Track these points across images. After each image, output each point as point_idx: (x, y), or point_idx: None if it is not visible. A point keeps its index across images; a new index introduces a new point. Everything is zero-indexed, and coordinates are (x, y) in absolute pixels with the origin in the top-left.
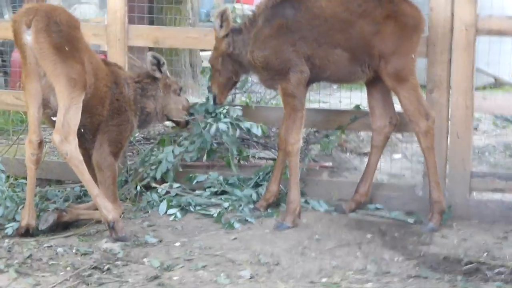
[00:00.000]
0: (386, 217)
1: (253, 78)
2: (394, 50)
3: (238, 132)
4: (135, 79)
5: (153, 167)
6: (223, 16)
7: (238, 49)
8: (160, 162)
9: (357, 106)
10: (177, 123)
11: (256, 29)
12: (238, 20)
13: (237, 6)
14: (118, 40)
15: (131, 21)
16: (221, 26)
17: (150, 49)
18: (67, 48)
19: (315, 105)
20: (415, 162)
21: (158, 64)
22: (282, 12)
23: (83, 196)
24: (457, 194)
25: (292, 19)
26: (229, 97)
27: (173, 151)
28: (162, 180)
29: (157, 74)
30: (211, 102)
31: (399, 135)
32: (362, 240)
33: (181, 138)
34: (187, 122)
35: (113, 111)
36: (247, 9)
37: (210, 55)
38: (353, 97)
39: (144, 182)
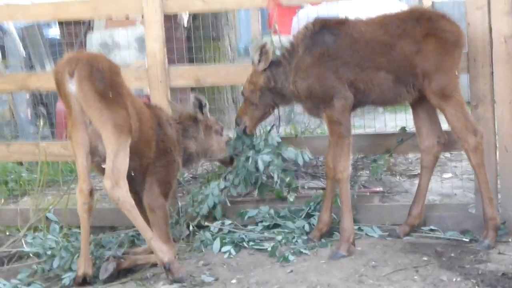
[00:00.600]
0: (441, 237)
1: (297, 109)
2: (437, 68)
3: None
4: (176, 120)
5: (201, 205)
6: (262, 50)
7: (280, 82)
8: (206, 198)
9: (403, 128)
10: (223, 162)
11: (296, 59)
12: (278, 52)
13: (275, 38)
14: (159, 82)
15: (171, 62)
16: (259, 61)
17: (192, 89)
18: (110, 95)
19: (361, 130)
20: (466, 180)
21: (200, 106)
22: (322, 40)
23: (136, 240)
24: (510, 209)
25: (333, 46)
26: (273, 129)
27: (218, 185)
28: (213, 218)
29: (199, 116)
30: (241, 133)
31: (447, 154)
32: (419, 263)
33: (227, 172)
34: (231, 159)
35: (160, 153)
36: (285, 39)
37: (244, 87)
38: (398, 119)
39: (195, 222)
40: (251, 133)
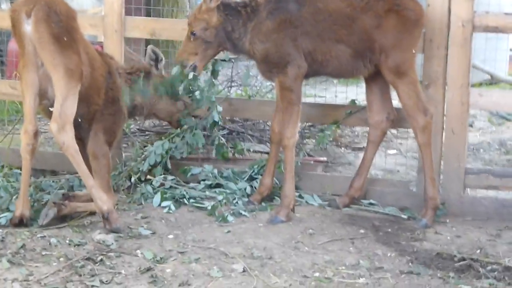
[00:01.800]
0: (380, 212)
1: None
2: (395, 44)
3: None
4: (127, 71)
5: (143, 162)
6: None
7: (238, 33)
8: (149, 155)
9: (353, 101)
10: (169, 123)
11: (257, 19)
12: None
13: None
14: (115, 31)
15: (127, 12)
16: None
17: (147, 41)
18: (65, 39)
19: (311, 100)
20: (410, 158)
21: (156, 60)
22: (285, 7)
23: (76, 187)
24: (451, 191)
25: (296, 14)
26: (225, 90)
27: (162, 145)
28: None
29: (153, 70)
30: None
31: (394, 131)
32: (356, 235)
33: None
34: (178, 123)
35: (108, 101)
36: None
37: (192, 25)
38: (349, 92)
39: (137, 175)
40: (199, 74)
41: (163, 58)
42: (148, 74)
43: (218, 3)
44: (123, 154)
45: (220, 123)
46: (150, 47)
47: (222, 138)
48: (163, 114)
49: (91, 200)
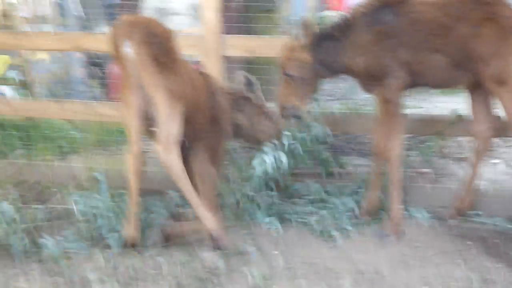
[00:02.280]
0: (488, 223)
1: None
2: (494, 52)
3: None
4: (228, 91)
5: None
6: (304, 25)
7: (334, 55)
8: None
9: (455, 111)
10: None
11: (354, 34)
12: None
13: (329, 13)
14: (213, 50)
15: (225, 31)
16: (303, 36)
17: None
18: (165, 60)
19: (412, 111)
20: None
21: (249, 85)
22: (382, 18)
23: (183, 206)
24: None
25: (393, 24)
26: (326, 105)
27: (266, 161)
28: (260, 190)
29: (251, 96)
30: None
31: (498, 140)
32: (463, 247)
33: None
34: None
35: (211, 120)
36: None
37: (285, 66)
38: (449, 102)
39: (240, 194)
40: (302, 113)
41: (256, 83)
42: (248, 99)
43: (312, 40)
44: (226, 172)
45: (325, 139)
46: (240, 72)
47: (327, 153)
48: (263, 137)
49: (197, 218)
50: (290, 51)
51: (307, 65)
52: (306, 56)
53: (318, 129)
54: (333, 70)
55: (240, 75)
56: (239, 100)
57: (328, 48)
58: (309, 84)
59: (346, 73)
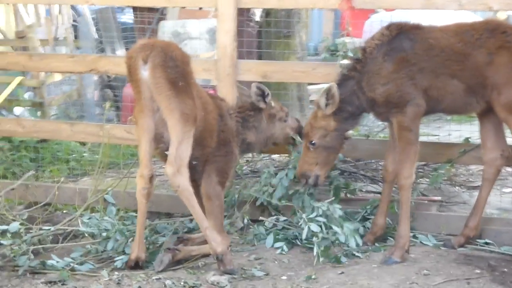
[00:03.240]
0: (496, 252)
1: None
2: (507, 81)
3: None
4: (237, 110)
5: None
6: (328, 94)
7: (357, 103)
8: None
9: (467, 139)
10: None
11: (375, 65)
12: (350, 54)
13: (346, 39)
14: (227, 75)
15: (240, 56)
16: (327, 105)
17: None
18: (181, 84)
19: (424, 138)
20: None
21: (263, 95)
22: (400, 45)
23: (192, 230)
24: None
25: (411, 51)
26: None
27: (287, 175)
28: (268, 214)
29: (262, 105)
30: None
31: (509, 169)
32: (471, 275)
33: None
34: (292, 139)
35: (220, 143)
36: (357, 42)
37: (311, 136)
38: (462, 130)
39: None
40: (322, 184)
41: (269, 93)
42: (258, 110)
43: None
44: (236, 195)
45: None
46: (254, 84)
47: (340, 179)
48: (280, 139)
49: (205, 242)
50: (316, 119)
51: (333, 133)
52: (331, 124)
53: None
54: (358, 117)
55: (253, 86)
56: (249, 116)
57: (350, 102)
58: (332, 153)
59: (368, 110)
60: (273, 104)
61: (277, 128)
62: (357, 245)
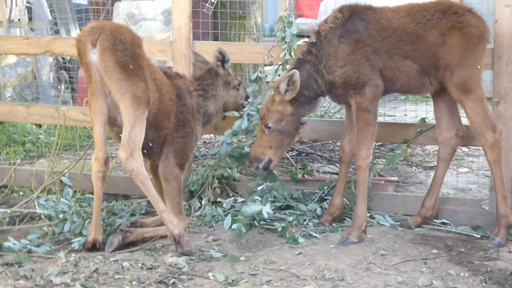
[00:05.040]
0: (452, 231)
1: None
2: (460, 61)
3: None
4: (196, 84)
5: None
6: (290, 80)
7: (314, 86)
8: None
9: (423, 119)
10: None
11: (331, 48)
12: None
13: (302, 20)
14: (183, 56)
15: (195, 37)
16: (287, 90)
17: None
18: (131, 66)
19: (381, 119)
20: (482, 176)
21: (223, 60)
22: (354, 27)
23: (149, 211)
24: None
25: (365, 32)
26: None
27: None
28: (226, 195)
29: (220, 70)
30: (262, 170)
31: (465, 149)
32: (428, 255)
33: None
34: (242, 106)
35: (178, 124)
36: (311, 23)
37: (266, 118)
38: (418, 110)
39: (206, 198)
40: (273, 169)
41: (229, 58)
42: (216, 75)
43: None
44: (194, 177)
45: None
46: (216, 48)
47: (291, 159)
48: (232, 108)
49: (160, 225)
50: (273, 103)
51: (287, 118)
52: (288, 109)
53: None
54: (316, 100)
55: (215, 51)
56: (207, 86)
57: (308, 85)
58: (287, 137)
59: (326, 93)
60: (230, 70)
61: (230, 95)
62: (315, 225)
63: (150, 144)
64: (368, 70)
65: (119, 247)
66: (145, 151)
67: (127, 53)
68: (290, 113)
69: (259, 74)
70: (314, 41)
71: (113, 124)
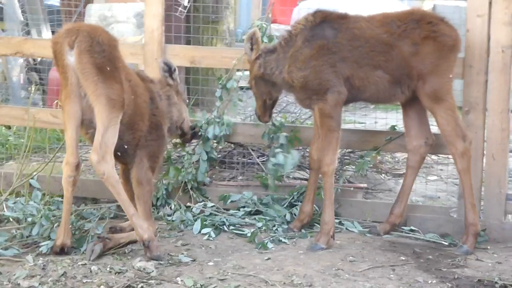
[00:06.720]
0: (421, 239)
1: (288, 98)
2: (432, 70)
3: None
4: (164, 89)
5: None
6: (252, 39)
7: (270, 69)
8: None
9: (393, 127)
10: (184, 136)
11: (294, 49)
12: (275, 40)
13: (273, 26)
14: (155, 59)
15: (168, 40)
16: (251, 49)
17: (187, 68)
18: (108, 68)
19: (351, 126)
20: (450, 184)
21: (170, 71)
22: (322, 33)
23: (117, 215)
24: (492, 217)
25: (333, 40)
26: None
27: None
28: (195, 200)
29: (170, 81)
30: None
31: (434, 157)
32: (396, 262)
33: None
34: (192, 136)
35: (151, 127)
36: (283, 29)
37: (249, 82)
38: (388, 118)
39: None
40: (265, 122)
41: (176, 68)
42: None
43: (259, 54)
44: (164, 181)
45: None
46: (161, 60)
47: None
48: (185, 125)
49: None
50: (249, 64)
51: (253, 79)
52: (253, 70)
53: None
54: (274, 85)
55: (160, 62)
56: (170, 92)
57: (268, 61)
58: (258, 98)
59: (286, 88)
60: (179, 80)
61: (183, 109)
62: (284, 231)
63: (126, 147)
64: (331, 77)
65: (100, 255)
66: (119, 154)
67: (104, 55)
68: (254, 75)
69: (234, 84)
70: (286, 37)
71: (89, 126)
